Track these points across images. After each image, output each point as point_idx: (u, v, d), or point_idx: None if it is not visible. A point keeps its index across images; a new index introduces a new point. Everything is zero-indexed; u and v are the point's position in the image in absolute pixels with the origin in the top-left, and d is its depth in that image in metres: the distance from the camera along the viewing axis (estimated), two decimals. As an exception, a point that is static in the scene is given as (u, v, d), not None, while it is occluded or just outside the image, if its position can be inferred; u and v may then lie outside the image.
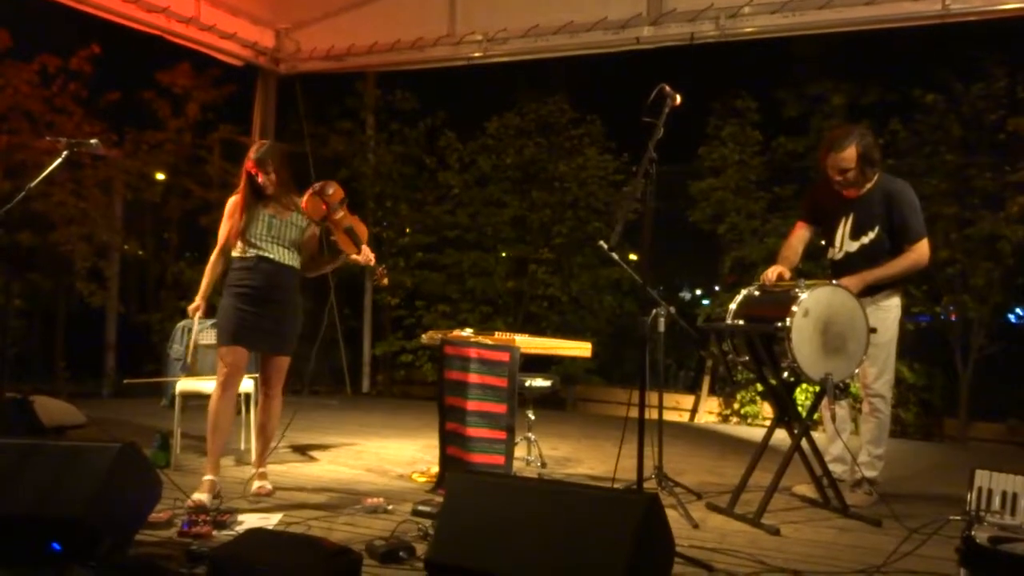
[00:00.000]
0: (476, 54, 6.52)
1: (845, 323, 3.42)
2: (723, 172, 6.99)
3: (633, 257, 6.42)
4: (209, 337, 4.62)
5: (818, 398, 3.57)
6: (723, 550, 2.96)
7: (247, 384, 4.41)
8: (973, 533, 2.33)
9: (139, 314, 7.84)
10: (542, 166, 7.62)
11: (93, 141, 3.48)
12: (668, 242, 7.92)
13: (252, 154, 3.62)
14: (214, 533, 2.98)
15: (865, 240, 3.75)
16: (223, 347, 3.62)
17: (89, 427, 5.31)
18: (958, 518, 2.62)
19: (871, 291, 3.66)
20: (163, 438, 4.21)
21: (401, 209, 7.96)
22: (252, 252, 3.63)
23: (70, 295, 7.37)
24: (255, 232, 3.62)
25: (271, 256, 3.64)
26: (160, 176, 7.81)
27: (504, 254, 7.77)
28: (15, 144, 6.76)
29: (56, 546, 2.62)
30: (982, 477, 2.63)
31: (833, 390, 3.34)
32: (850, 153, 3.66)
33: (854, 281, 3.61)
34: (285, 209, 3.68)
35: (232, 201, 3.74)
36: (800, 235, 4.01)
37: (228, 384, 3.61)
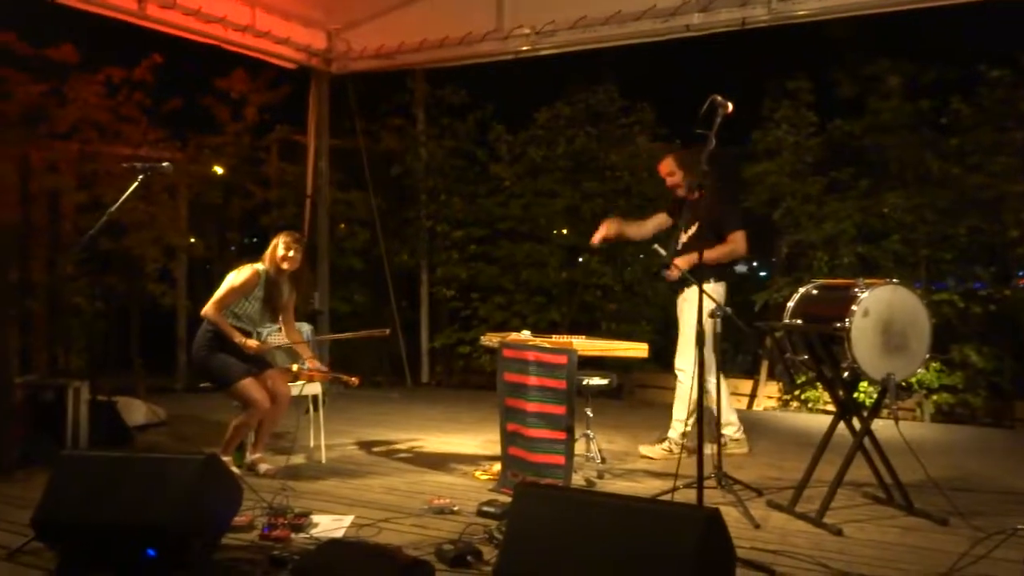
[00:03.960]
0: (524, 48, 6.54)
1: (907, 321, 3.39)
2: (778, 155, 6.87)
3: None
4: (280, 338, 4.83)
5: (881, 397, 3.55)
6: (784, 552, 3.00)
7: (316, 387, 4.61)
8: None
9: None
10: (593, 155, 7.61)
11: (165, 164, 3.66)
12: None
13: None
14: (292, 536, 3.16)
15: (691, 231, 4.60)
16: (236, 384, 4.11)
17: (168, 425, 5.61)
18: (1026, 525, 2.60)
19: (701, 276, 4.09)
20: (237, 439, 4.42)
21: (454, 203, 8.06)
22: (239, 324, 4.24)
23: (142, 295, 7.69)
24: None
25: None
26: (219, 170, 8.04)
27: (563, 232, 7.79)
28: (87, 153, 7.08)
29: (151, 552, 2.81)
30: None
31: (896, 389, 3.33)
32: (666, 163, 4.77)
33: (684, 260, 4.41)
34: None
35: (250, 278, 4.21)
36: (658, 218, 4.96)
37: (258, 407, 4.15)
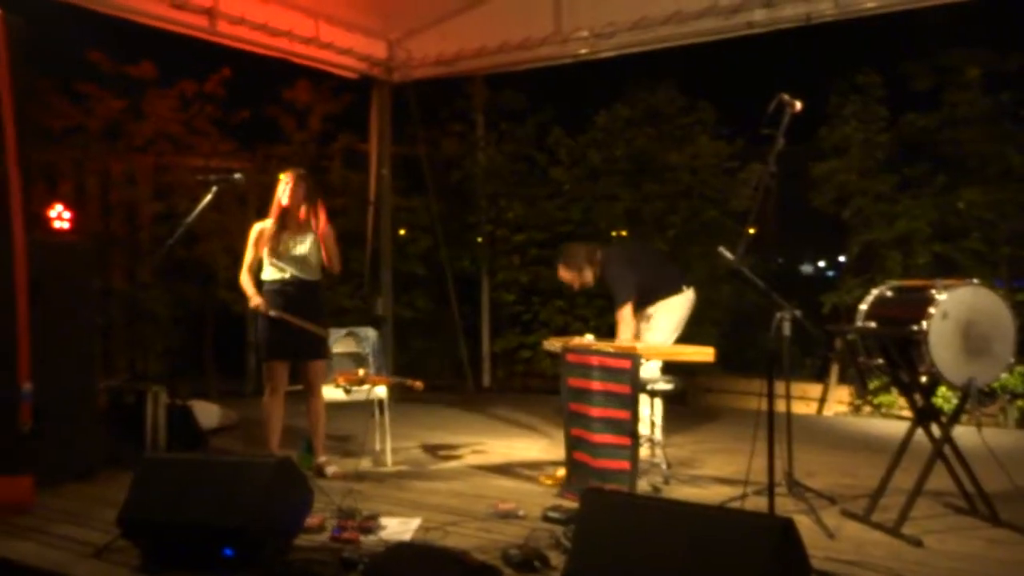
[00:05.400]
0: (583, 50, 6.51)
1: (988, 324, 3.25)
2: (846, 152, 6.67)
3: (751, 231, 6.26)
4: (342, 345, 4.92)
5: (962, 403, 3.41)
6: (861, 563, 2.91)
7: (380, 390, 4.68)
8: None
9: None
10: (653, 157, 7.53)
11: (237, 175, 3.80)
12: (789, 222, 7.64)
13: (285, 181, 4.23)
14: (361, 538, 3.21)
15: None
16: (265, 362, 4.23)
17: (240, 427, 5.78)
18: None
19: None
20: (308, 443, 4.52)
21: (514, 207, 8.09)
22: (278, 275, 4.20)
23: (215, 301, 7.95)
24: (280, 254, 4.20)
25: (297, 275, 4.21)
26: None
27: (623, 234, 7.74)
28: (162, 165, 7.37)
29: (228, 551, 2.91)
30: None
31: (978, 395, 3.19)
32: (561, 272, 4.72)
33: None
34: (301, 231, 4.24)
35: (259, 228, 4.25)
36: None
37: (275, 390, 4.23)
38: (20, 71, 3.77)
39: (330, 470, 4.31)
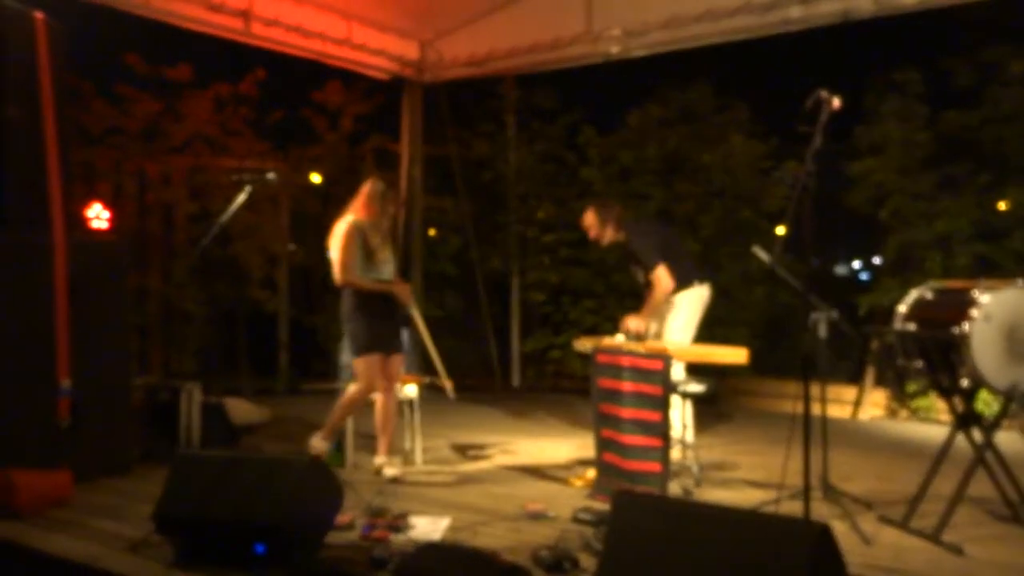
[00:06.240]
0: (614, 50, 6.47)
1: (1035, 327, 3.15)
2: (883, 151, 6.53)
3: (780, 231, 6.15)
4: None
5: (1005, 408, 3.31)
6: (899, 570, 2.84)
7: (411, 389, 4.70)
8: None
9: (308, 315, 8.43)
10: (686, 156, 7.45)
11: (270, 175, 3.84)
12: (823, 222, 7.50)
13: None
14: (391, 537, 3.22)
15: (640, 271, 4.66)
16: (367, 354, 4.22)
17: (273, 425, 5.83)
18: None
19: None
20: (338, 440, 4.55)
21: (544, 207, 8.06)
22: (373, 274, 4.25)
23: (248, 301, 8.04)
24: (376, 257, 4.26)
25: (388, 279, 4.33)
26: (317, 179, 8.29)
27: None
28: (197, 166, 7.48)
29: (260, 548, 2.93)
30: None
31: (1022, 400, 3.10)
32: (587, 216, 4.74)
33: (642, 319, 4.33)
34: (384, 236, 4.34)
35: (347, 231, 4.19)
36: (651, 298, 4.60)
37: (388, 388, 4.35)
38: (61, 73, 3.86)
39: (390, 472, 4.23)
